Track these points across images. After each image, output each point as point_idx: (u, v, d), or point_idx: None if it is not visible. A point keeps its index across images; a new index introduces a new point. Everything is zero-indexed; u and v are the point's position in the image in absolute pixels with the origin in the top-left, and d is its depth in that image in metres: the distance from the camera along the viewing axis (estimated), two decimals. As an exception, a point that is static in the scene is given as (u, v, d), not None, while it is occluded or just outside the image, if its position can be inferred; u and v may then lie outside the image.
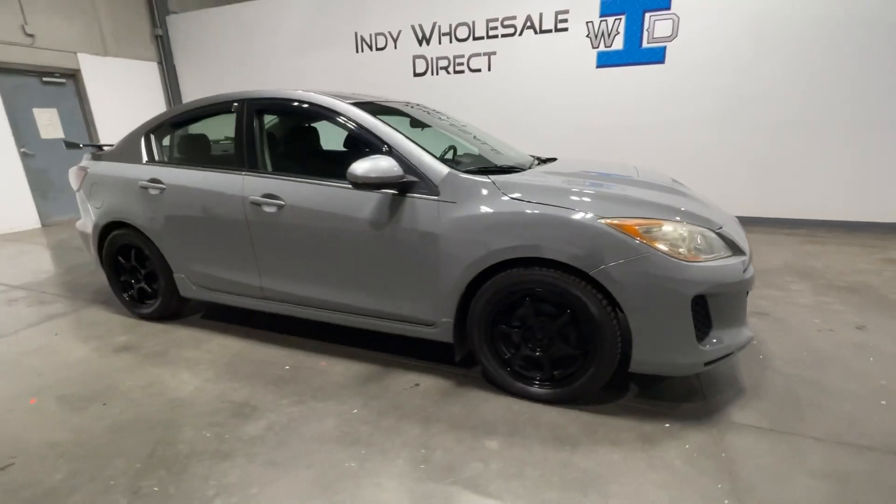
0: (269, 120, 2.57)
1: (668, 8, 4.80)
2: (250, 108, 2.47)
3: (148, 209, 2.68)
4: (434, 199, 1.99)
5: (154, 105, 7.44)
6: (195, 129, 2.81)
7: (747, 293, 1.91)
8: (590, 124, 5.41)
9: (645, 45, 4.98)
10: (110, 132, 6.68)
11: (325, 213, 2.18)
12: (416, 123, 2.70)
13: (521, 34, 5.43)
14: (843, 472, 1.56)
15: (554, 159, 2.78)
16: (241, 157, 2.46)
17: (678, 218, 1.82)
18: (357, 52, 6.28)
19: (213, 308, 3.11)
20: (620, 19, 5.00)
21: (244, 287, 2.55)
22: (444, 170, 2.01)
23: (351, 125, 2.24)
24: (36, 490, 1.58)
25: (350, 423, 1.89)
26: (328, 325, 2.60)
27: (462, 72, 5.82)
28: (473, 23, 5.58)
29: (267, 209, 2.31)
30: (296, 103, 2.41)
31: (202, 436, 1.84)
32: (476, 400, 2.03)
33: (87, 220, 3.00)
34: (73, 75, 6.40)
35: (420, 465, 1.65)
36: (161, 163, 2.74)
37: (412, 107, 2.86)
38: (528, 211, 1.84)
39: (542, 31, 5.34)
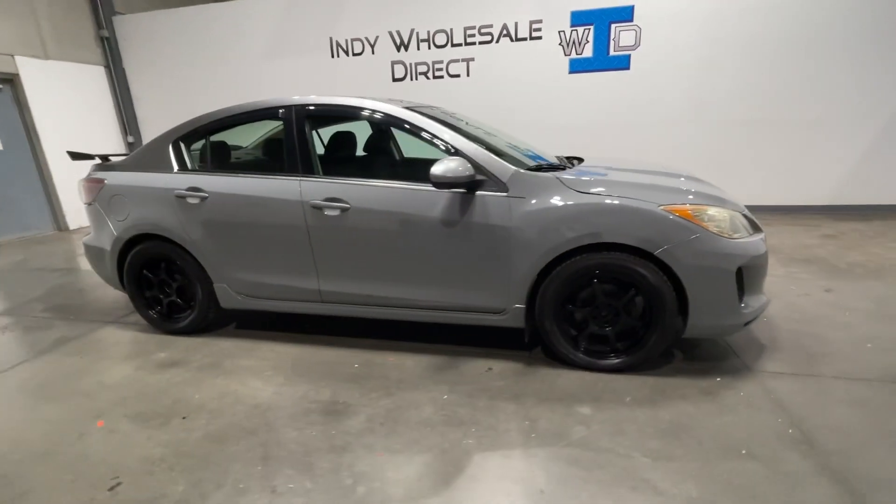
0: (319, 125, 2.61)
1: (631, 20, 5.32)
2: (300, 114, 2.50)
3: (186, 219, 2.60)
4: (504, 196, 2.17)
5: (102, 111, 6.89)
6: (230, 136, 2.76)
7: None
8: (565, 126, 5.81)
9: (612, 53, 5.48)
10: (55, 141, 6.11)
11: (394, 214, 2.29)
12: (449, 126, 2.85)
13: (497, 41, 5.73)
14: (862, 400, 1.96)
15: (581, 159, 3.04)
16: (293, 162, 2.48)
17: (717, 203, 2.16)
18: (333, 56, 6.25)
19: (247, 318, 3.05)
20: (589, 29, 5.46)
21: (300, 292, 2.56)
22: (510, 168, 2.20)
23: (418, 131, 2.36)
24: (165, 502, 1.56)
25: (447, 407, 2.02)
26: (369, 324, 2.69)
27: (441, 77, 6.01)
28: (451, 30, 5.80)
29: (329, 213, 2.36)
30: (352, 110, 2.50)
31: (309, 435, 1.88)
32: (550, 376, 2.24)
33: (103, 235, 2.83)
34: (11, 80, 5.77)
35: (531, 434, 1.82)
36: (198, 171, 2.68)
37: (434, 110, 3.00)
38: (597, 202, 2.08)
39: (517, 39, 5.68)
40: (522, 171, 2.21)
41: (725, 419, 1.86)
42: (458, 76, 5.96)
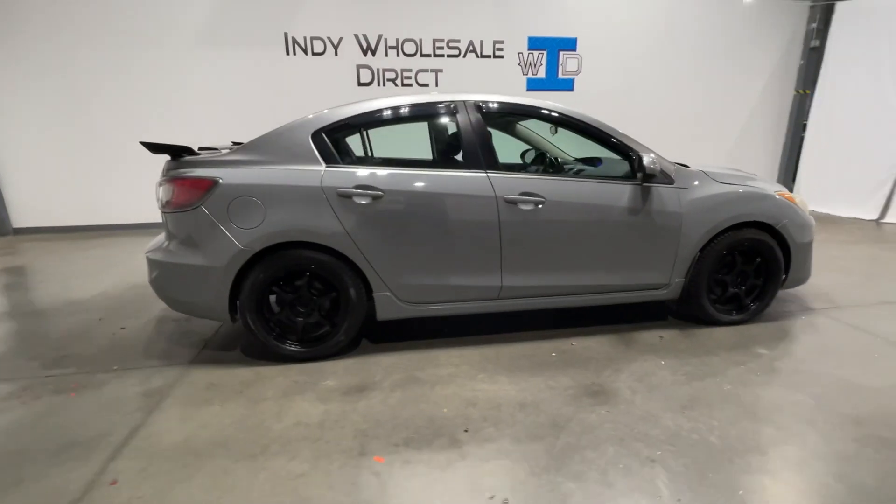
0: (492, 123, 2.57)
1: (575, 49, 6.31)
2: (477, 111, 2.47)
3: (350, 221, 2.26)
4: (673, 187, 2.59)
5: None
6: (396, 129, 2.48)
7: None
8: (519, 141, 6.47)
9: (560, 76, 6.38)
10: None
11: (587, 207, 2.48)
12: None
13: (464, 56, 6.08)
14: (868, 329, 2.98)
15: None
16: (474, 156, 2.42)
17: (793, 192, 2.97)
18: (288, 54, 5.67)
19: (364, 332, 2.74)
20: (543, 54, 6.25)
21: (479, 290, 2.49)
22: (672, 163, 2.62)
23: (594, 132, 2.63)
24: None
25: (676, 368, 2.32)
26: (491, 318, 2.80)
27: (410, 85, 6.04)
28: (420, 40, 5.90)
29: (523, 207, 2.40)
30: (534, 109, 2.64)
31: (615, 412, 1.95)
32: (706, 334, 2.72)
33: (210, 248, 2.21)
34: None
35: (755, 374, 2.27)
36: (362, 165, 2.37)
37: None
38: (738, 190, 2.68)
39: (482, 56, 6.12)
40: (679, 165, 2.66)
41: (827, 337, 2.65)
42: (426, 85, 6.08)
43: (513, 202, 2.40)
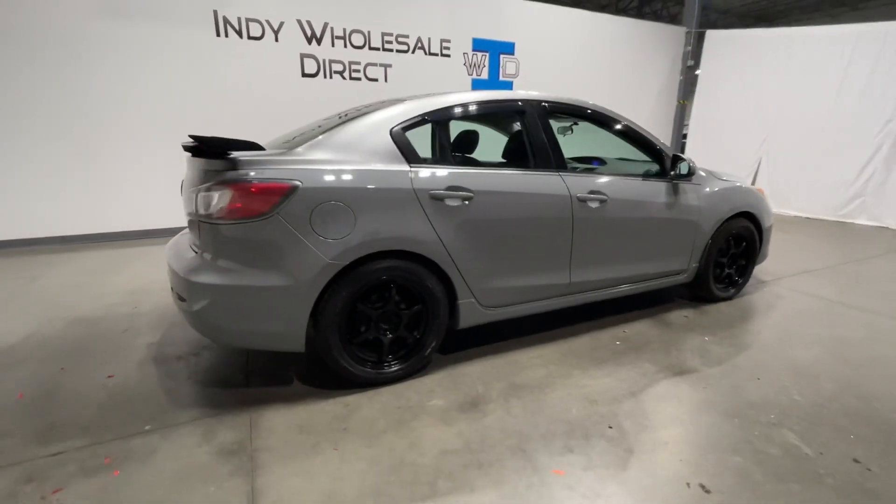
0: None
1: (513, 53, 6.62)
2: (543, 111, 2.47)
3: (441, 224, 2.08)
4: (692, 184, 2.93)
5: None
6: (471, 126, 2.30)
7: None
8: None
9: (501, 78, 6.63)
10: None
11: (639, 203, 2.68)
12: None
13: (413, 52, 5.92)
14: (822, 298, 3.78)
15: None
16: (545, 156, 2.42)
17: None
18: (219, 35, 4.87)
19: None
20: (485, 55, 6.42)
21: (551, 288, 2.50)
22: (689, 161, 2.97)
23: (631, 133, 2.83)
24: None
25: (720, 342, 2.66)
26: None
27: (359, 79, 5.68)
28: (369, 32, 5.58)
29: (591, 204, 2.49)
30: (581, 109, 2.72)
31: (728, 384, 2.14)
32: (715, 310, 3.15)
33: (287, 265, 1.83)
34: None
35: (762, 334, 2.70)
36: (447, 165, 2.18)
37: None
38: (734, 186, 3.14)
39: (430, 54, 6.04)
40: (692, 163, 3.02)
41: (794, 307, 3.29)
42: (376, 80, 5.78)
43: (583, 200, 2.47)
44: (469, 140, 2.75)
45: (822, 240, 5.47)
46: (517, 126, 2.49)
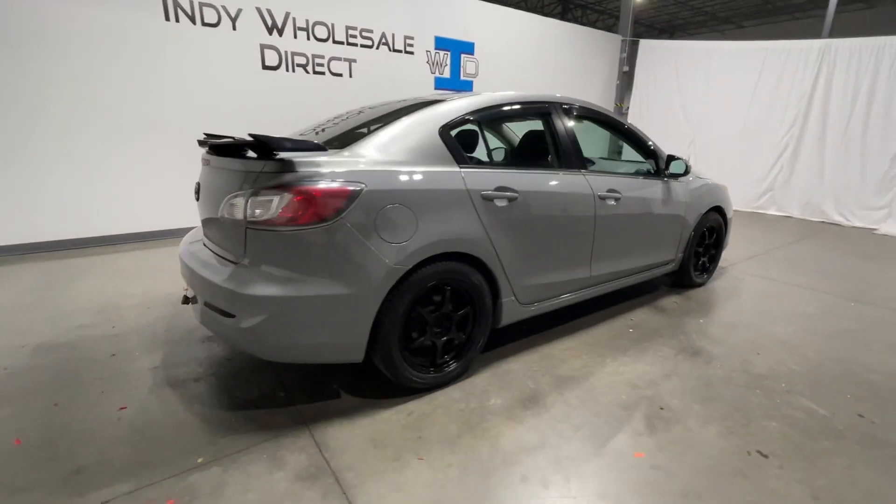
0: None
1: (473, 54, 6.71)
2: (565, 112, 2.56)
3: (491, 225, 2.08)
4: (680, 181, 3.21)
5: None
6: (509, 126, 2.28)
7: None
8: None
9: (462, 77, 6.69)
10: None
11: (644, 200, 2.89)
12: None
13: (377, 48, 5.77)
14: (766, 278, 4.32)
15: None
16: (569, 157, 2.52)
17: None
18: (168, 20, 4.35)
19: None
20: (447, 54, 6.44)
21: (576, 282, 2.62)
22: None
23: (631, 136, 3.05)
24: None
25: (714, 322, 2.96)
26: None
27: (323, 73, 5.41)
28: (333, 25, 5.33)
29: (609, 202, 2.64)
30: (595, 113, 2.86)
31: (758, 358, 2.38)
32: (695, 295, 3.49)
33: (351, 272, 1.74)
34: None
35: (756, 312, 3.07)
36: (494, 166, 2.23)
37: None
38: (710, 183, 3.50)
39: (394, 50, 5.93)
40: (688, 163, 3.30)
41: (754, 287, 3.76)
42: (340, 75, 5.55)
43: (603, 198, 2.62)
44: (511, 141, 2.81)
45: (749, 228, 6.26)
46: (546, 126, 2.56)
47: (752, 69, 7.26)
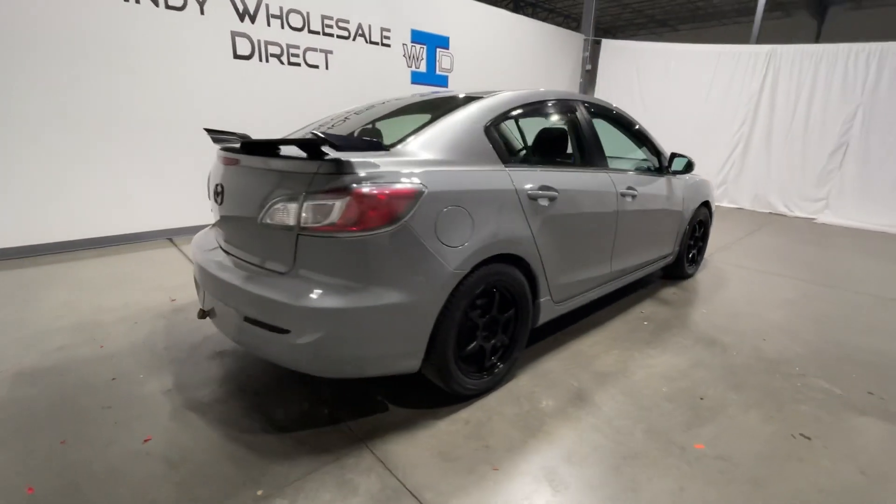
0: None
1: (448, 48, 6.62)
2: (587, 110, 2.57)
3: (535, 225, 2.05)
4: (678, 178, 3.35)
5: None
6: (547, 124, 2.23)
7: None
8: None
9: (437, 72, 6.59)
10: None
11: (653, 196, 2.98)
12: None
13: (354, 39, 5.53)
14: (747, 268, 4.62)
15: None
16: (592, 155, 2.54)
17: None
18: (127, 0, 3.89)
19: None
20: (423, 48, 6.31)
21: (599, 278, 2.66)
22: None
23: (640, 135, 3.16)
24: None
25: (715, 311, 3.12)
26: None
27: (298, 64, 5.10)
28: (308, 13, 5.03)
29: (628, 199, 2.70)
30: (608, 111, 2.91)
31: (763, 339, 2.51)
32: (688, 285, 3.67)
33: (414, 279, 1.64)
34: None
35: (745, 298, 3.28)
36: (533, 164, 2.16)
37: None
38: (699, 179, 3.68)
39: (371, 42, 5.71)
40: (692, 161, 3.43)
41: (733, 276, 4.02)
42: (316, 67, 5.26)
43: (624, 195, 2.67)
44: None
45: (708, 221, 6.71)
46: (575, 124, 2.56)
47: (706, 70, 7.75)
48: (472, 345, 1.96)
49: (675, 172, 3.25)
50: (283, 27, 4.92)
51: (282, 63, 5.00)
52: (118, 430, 1.78)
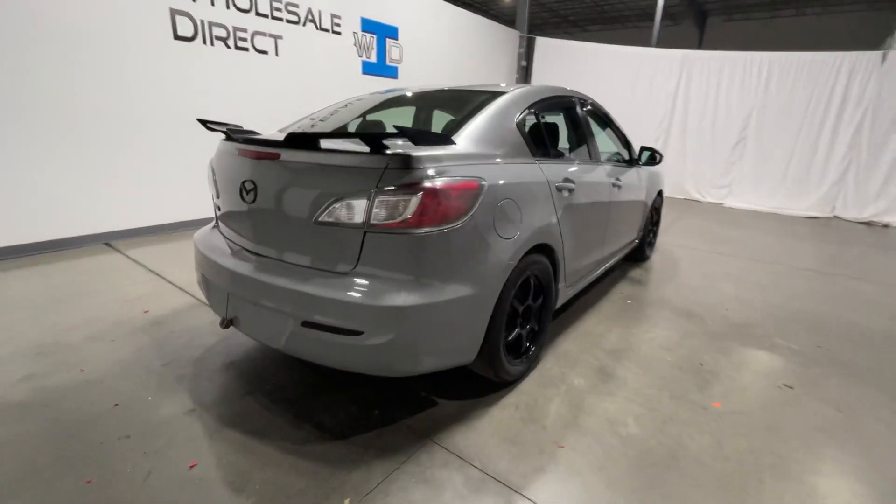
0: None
1: (397, 39, 6.50)
2: (583, 107, 2.72)
3: (561, 215, 2.16)
4: (645, 169, 3.68)
5: None
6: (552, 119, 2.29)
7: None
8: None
9: (387, 63, 6.45)
10: None
11: (630, 186, 3.27)
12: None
13: (304, 25, 5.21)
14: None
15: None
16: (593, 147, 2.72)
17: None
18: (44, -35, 3.28)
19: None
20: (374, 37, 6.13)
21: (595, 263, 2.86)
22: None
23: (619, 130, 3.37)
24: None
25: (683, 286, 3.49)
26: None
27: (246, 49, 4.69)
28: (255, -6, 4.64)
29: (615, 189, 2.92)
30: (602, 109, 3.11)
31: (734, 312, 2.87)
32: (652, 266, 4.05)
33: (478, 271, 1.66)
34: None
35: (705, 273, 3.73)
36: (553, 157, 2.27)
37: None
38: (654, 170, 4.05)
39: (321, 29, 5.42)
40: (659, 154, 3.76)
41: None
42: (266, 52, 4.88)
43: (614, 185, 2.90)
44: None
45: (639, 207, 7.43)
46: (578, 119, 2.71)
47: (631, 71, 8.49)
48: (514, 332, 2.04)
49: (645, 164, 3.58)
50: (228, 7, 4.50)
51: (228, 47, 4.58)
52: (151, 459, 1.59)
